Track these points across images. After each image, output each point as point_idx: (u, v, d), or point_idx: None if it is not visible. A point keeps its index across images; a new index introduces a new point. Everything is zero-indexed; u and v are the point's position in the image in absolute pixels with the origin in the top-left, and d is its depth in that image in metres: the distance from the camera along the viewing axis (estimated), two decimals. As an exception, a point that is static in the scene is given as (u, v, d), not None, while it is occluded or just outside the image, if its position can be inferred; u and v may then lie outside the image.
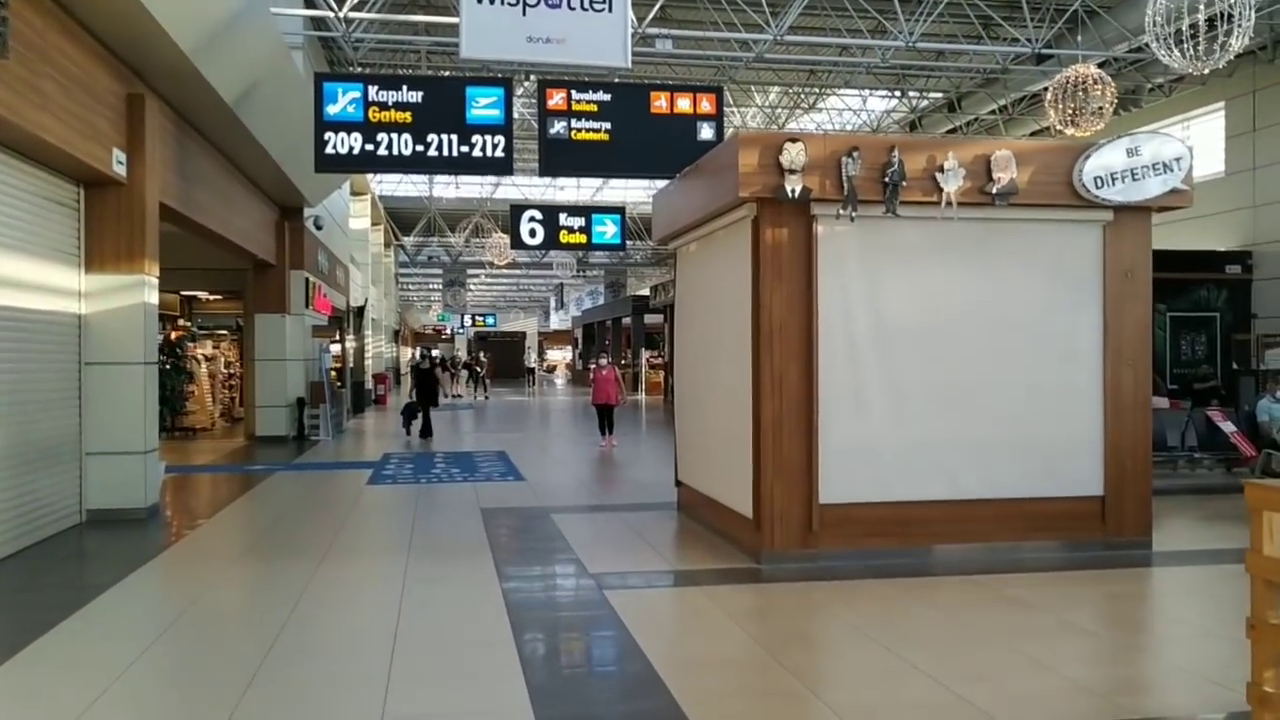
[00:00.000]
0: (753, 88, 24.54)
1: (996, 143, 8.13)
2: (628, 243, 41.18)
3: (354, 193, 31.61)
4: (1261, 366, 17.78)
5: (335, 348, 26.83)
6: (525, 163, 36.04)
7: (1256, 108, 18.31)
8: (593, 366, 19.41)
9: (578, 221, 19.57)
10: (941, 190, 7.85)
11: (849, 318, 7.96)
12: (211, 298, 26.76)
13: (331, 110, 11.86)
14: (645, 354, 40.96)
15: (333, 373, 25.10)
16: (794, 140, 7.71)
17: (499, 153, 12.19)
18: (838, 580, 7.42)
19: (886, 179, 7.78)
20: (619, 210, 20.04)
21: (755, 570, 7.79)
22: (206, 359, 22.65)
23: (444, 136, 12.10)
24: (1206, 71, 10.19)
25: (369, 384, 32.52)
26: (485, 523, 9.96)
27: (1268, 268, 18.84)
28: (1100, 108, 15.07)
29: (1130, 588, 7.50)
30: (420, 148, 12.04)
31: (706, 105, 12.58)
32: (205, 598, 7.12)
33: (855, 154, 7.73)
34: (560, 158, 12.56)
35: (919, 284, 8.10)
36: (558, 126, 12.34)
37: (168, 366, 13.84)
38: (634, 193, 34.44)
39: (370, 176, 33.62)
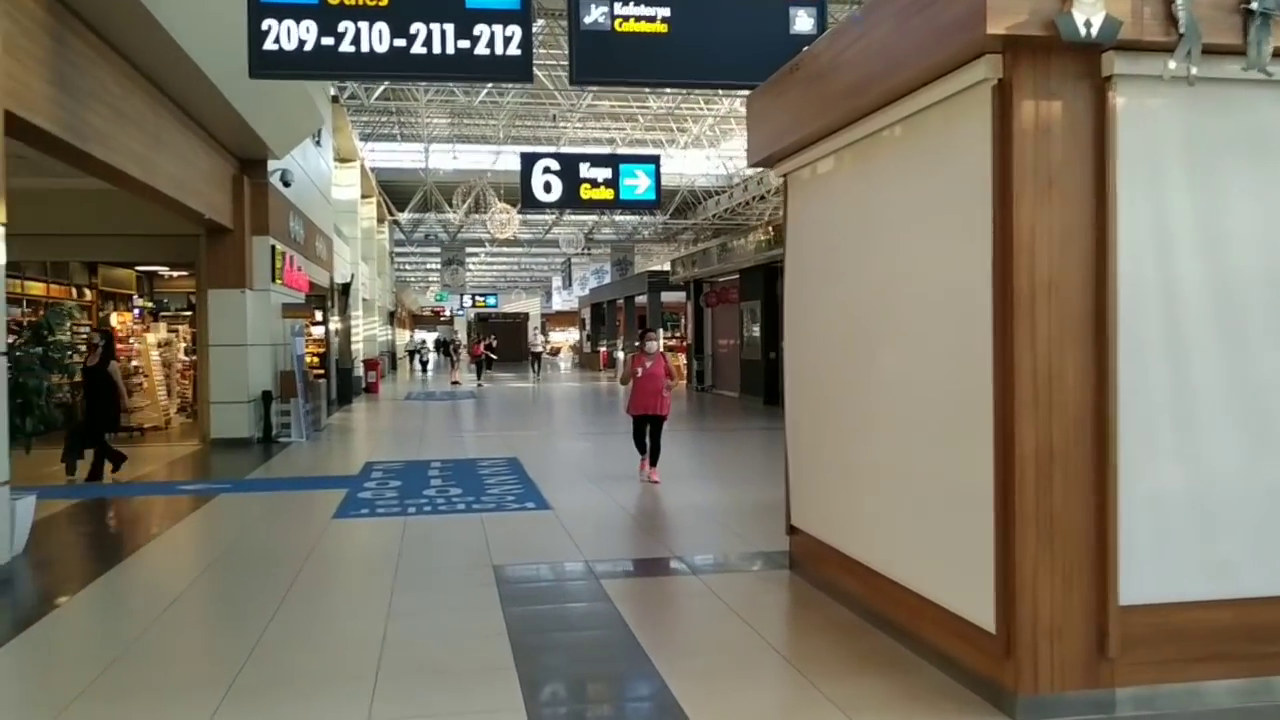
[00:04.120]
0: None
1: None
2: (632, 218, 37.62)
3: (340, 159, 27.95)
4: None
5: (317, 330, 23.24)
6: (530, 130, 32.49)
7: None
8: (630, 355, 13.88)
9: (602, 173, 15.83)
10: (1346, 29, 4.27)
11: (1171, 268, 4.36)
12: (175, 273, 23.27)
13: (272, -13, 8.29)
14: (663, 335, 37.47)
15: (314, 359, 21.60)
16: (1086, -69, 4.11)
17: (513, 49, 8.58)
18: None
19: (1253, 3, 4.19)
20: (653, 160, 16.34)
21: (1006, 732, 4.24)
22: (160, 345, 19.05)
23: (434, 26, 8.50)
24: None
25: (358, 370, 28.93)
26: (503, 603, 6.34)
27: None
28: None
29: None
30: (401, 42, 8.44)
31: (803, -16, 8.99)
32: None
33: (1197, -41, 4.14)
34: (598, 59, 8.94)
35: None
36: (596, 14, 8.75)
37: (37, 355, 9.80)
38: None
39: (360, 142, 29.91)
